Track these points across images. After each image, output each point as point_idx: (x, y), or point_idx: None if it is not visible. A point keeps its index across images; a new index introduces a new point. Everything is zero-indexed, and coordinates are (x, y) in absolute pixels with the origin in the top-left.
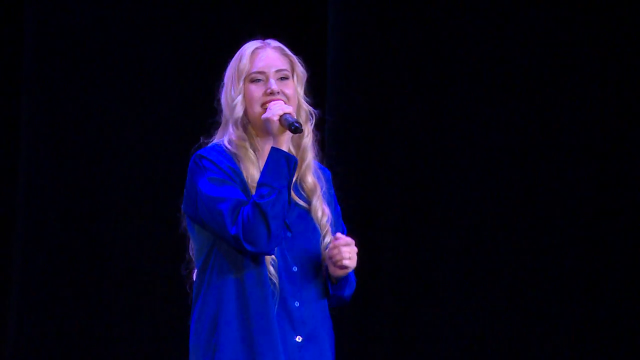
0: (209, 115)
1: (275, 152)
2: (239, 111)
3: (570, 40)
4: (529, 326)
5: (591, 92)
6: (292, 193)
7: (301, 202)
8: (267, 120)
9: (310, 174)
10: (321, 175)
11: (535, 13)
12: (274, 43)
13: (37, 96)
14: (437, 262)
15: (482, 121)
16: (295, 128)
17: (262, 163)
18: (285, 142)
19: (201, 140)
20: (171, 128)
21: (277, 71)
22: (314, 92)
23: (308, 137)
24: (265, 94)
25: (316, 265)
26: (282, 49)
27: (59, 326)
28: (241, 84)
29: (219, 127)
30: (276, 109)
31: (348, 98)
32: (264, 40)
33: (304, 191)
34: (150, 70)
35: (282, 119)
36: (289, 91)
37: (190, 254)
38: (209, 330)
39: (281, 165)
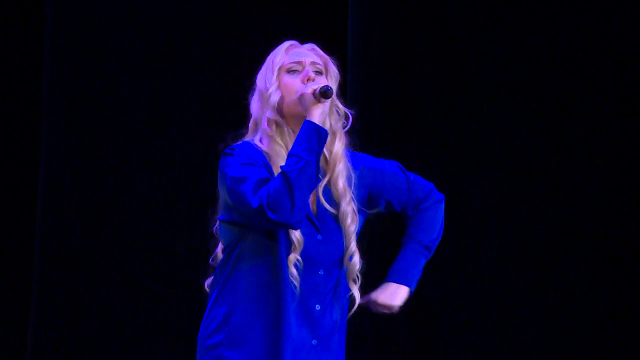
0: (230, 115)
1: (306, 124)
2: (274, 99)
3: (596, 44)
4: (545, 330)
5: (616, 97)
6: (321, 198)
7: (330, 208)
8: (301, 96)
9: (342, 180)
10: (352, 169)
11: (558, 9)
12: (309, 44)
13: (58, 97)
14: (458, 263)
15: (505, 123)
16: (325, 91)
17: None
18: (318, 115)
19: (228, 140)
20: (192, 128)
21: (312, 63)
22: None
23: (340, 141)
24: (303, 81)
25: (340, 271)
26: (317, 49)
27: (77, 325)
28: (275, 75)
29: (247, 132)
30: (311, 85)
31: (368, 93)
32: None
33: (334, 196)
34: (171, 70)
35: (316, 93)
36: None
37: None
38: (218, 325)
39: (312, 137)
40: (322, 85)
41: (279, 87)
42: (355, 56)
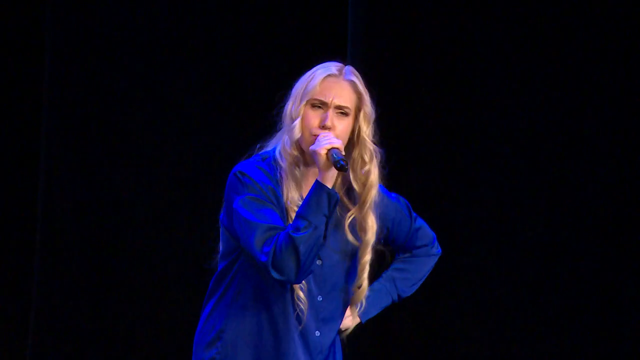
0: (230, 115)
1: (318, 186)
2: (297, 133)
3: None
4: (546, 328)
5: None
6: (347, 230)
7: (351, 238)
8: (314, 152)
9: (371, 215)
10: (383, 208)
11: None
12: (350, 75)
13: (58, 97)
14: (459, 263)
15: (506, 124)
16: (340, 166)
17: (305, 183)
18: (331, 178)
19: (259, 144)
20: (193, 128)
21: (338, 107)
22: None
23: (373, 174)
24: (319, 125)
25: (341, 298)
26: (355, 85)
27: (77, 325)
28: (302, 104)
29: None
30: (324, 142)
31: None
32: (343, 65)
33: (359, 229)
34: (171, 71)
35: (329, 153)
36: (341, 127)
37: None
38: (212, 339)
39: (322, 201)
40: (338, 155)
41: (301, 121)
42: (356, 56)
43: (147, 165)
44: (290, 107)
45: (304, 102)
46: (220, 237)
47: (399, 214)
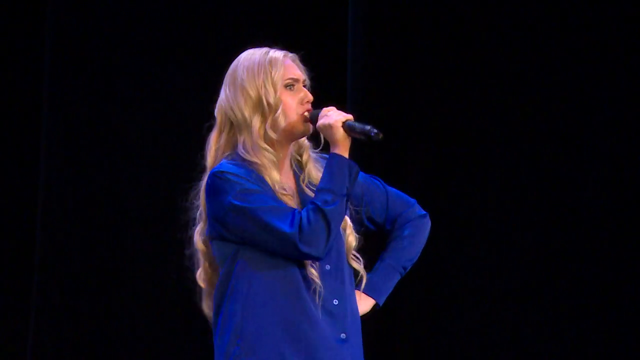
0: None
1: (339, 158)
2: (283, 121)
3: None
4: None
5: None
6: (308, 192)
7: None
8: (330, 126)
9: (315, 170)
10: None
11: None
12: (293, 55)
13: (57, 104)
14: (461, 264)
15: (507, 126)
16: (375, 133)
17: (281, 167)
18: (347, 149)
19: (199, 157)
20: (193, 129)
21: (304, 80)
22: (335, 95)
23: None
24: (302, 102)
25: (344, 260)
26: (297, 59)
27: (78, 325)
28: (279, 91)
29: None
30: (335, 115)
31: (368, 95)
32: (269, 47)
33: (314, 187)
34: (170, 73)
35: (346, 126)
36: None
37: (196, 275)
38: (232, 336)
39: (344, 173)
40: (358, 124)
41: (284, 106)
42: (356, 56)
43: (147, 165)
44: (253, 100)
45: (279, 88)
46: (213, 251)
47: (371, 188)
